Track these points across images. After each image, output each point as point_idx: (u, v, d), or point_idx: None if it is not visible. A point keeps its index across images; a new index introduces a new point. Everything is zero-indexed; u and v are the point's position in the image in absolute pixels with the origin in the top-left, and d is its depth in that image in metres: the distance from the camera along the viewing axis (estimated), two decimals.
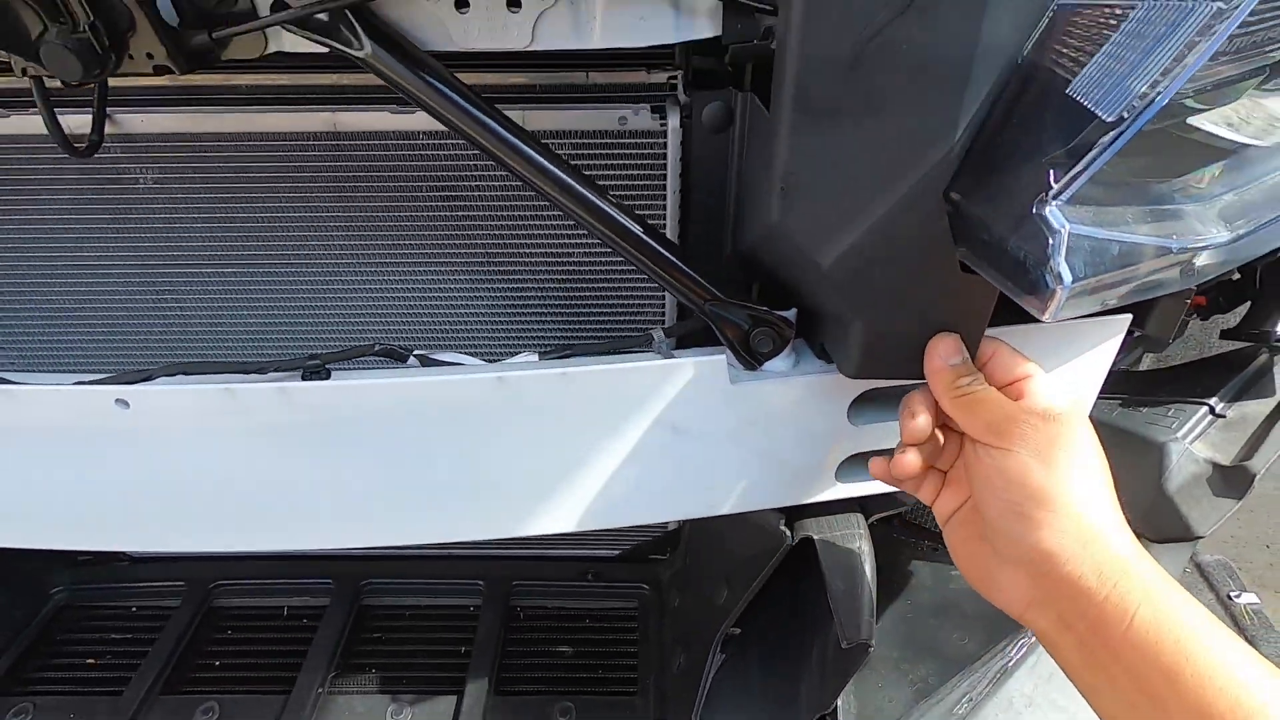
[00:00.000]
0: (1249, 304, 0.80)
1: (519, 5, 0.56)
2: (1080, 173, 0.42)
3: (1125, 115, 0.41)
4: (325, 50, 0.56)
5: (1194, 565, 1.27)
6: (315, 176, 0.71)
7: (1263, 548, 1.84)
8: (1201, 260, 0.52)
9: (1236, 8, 0.38)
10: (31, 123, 0.68)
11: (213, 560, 1.19)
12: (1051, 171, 0.45)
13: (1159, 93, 0.41)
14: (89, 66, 0.53)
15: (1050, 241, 0.43)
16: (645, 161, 0.69)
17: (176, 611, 1.15)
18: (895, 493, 0.81)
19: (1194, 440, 0.76)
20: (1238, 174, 0.58)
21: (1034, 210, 0.44)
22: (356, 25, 0.55)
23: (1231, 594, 1.22)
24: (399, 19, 0.56)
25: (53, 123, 0.59)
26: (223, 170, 0.71)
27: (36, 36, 0.53)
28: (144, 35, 0.54)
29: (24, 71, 0.56)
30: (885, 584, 1.07)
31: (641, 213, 0.69)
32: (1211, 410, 0.78)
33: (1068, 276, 0.42)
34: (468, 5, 0.56)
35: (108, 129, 0.69)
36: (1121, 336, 0.69)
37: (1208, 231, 0.52)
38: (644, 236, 0.62)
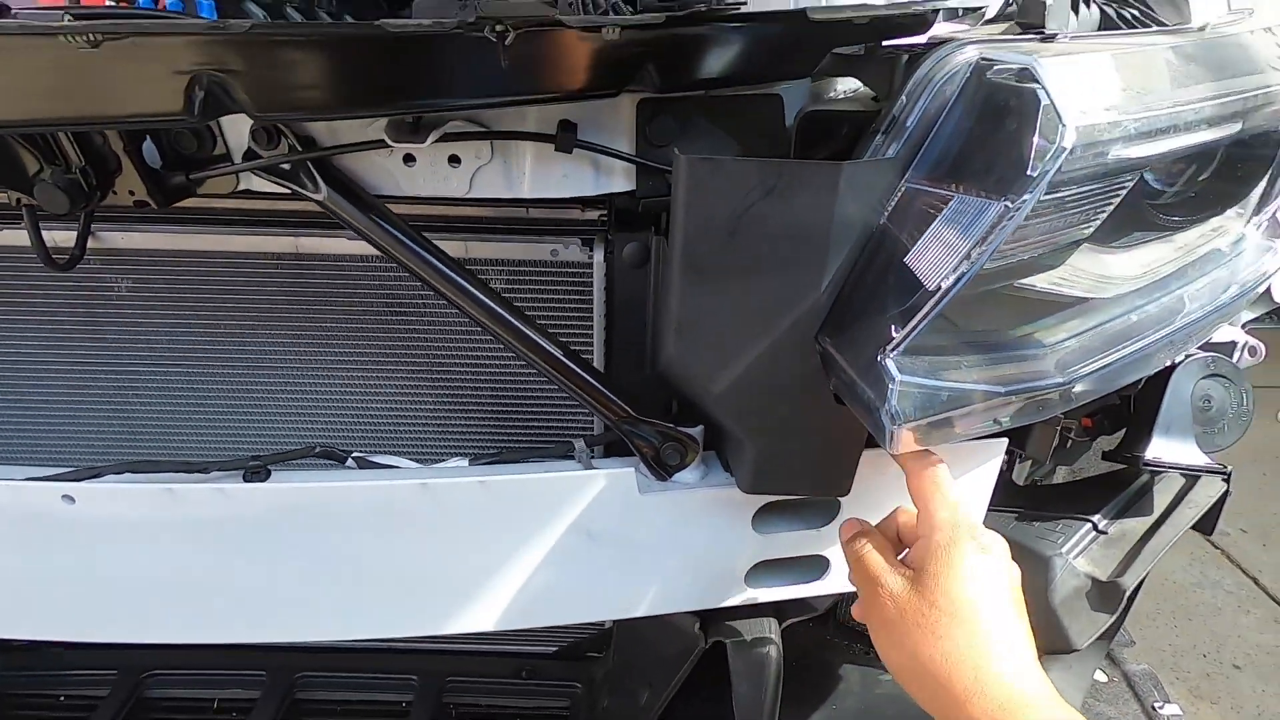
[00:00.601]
0: (1125, 428, 0.89)
1: (459, 161, 0.65)
2: (911, 331, 0.50)
3: (942, 285, 0.50)
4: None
5: (1121, 675, 1.31)
6: (276, 292, 0.78)
7: (1199, 656, 1.87)
8: (1044, 398, 0.60)
9: (1019, 209, 0.47)
10: (17, 236, 0.75)
11: (145, 649, 1.18)
12: (892, 326, 0.53)
13: (968, 268, 0.49)
14: (76, 201, 0.61)
15: (888, 387, 0.50)
16: (574, 289, 0.77)
17: (105, 700, 1.13)
18: (811, 597, 0.85)
19: (1077, 555, 0.81)
20: (1077, 322, 0.68)
21: (878, 359, 0.52)
22: (315, 173, 0.64)
23: (1156, 705, 1.25)
24: (353, 168, 0.65)
25: (39, 243, 0.66)
26: (191, 284, 0.77)
27: (33, 175, 0.61)
28: (129, 176, 0.62)
29: (17, 201, 0.64)
30: (813, 686, 1.09)
31: (569, 335, 0.76)
32: (1094, 526, 0.85)
33: (899, 418, 0.49)
34: (414, 159, 0.65)
35: (89, 242, 0.76)
36: (1000, 458, 0.76)
37: (1042, 375, 0.60)
38: (563, 359, 0.69)
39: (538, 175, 0.66)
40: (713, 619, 0.84)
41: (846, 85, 0.71)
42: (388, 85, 0.50)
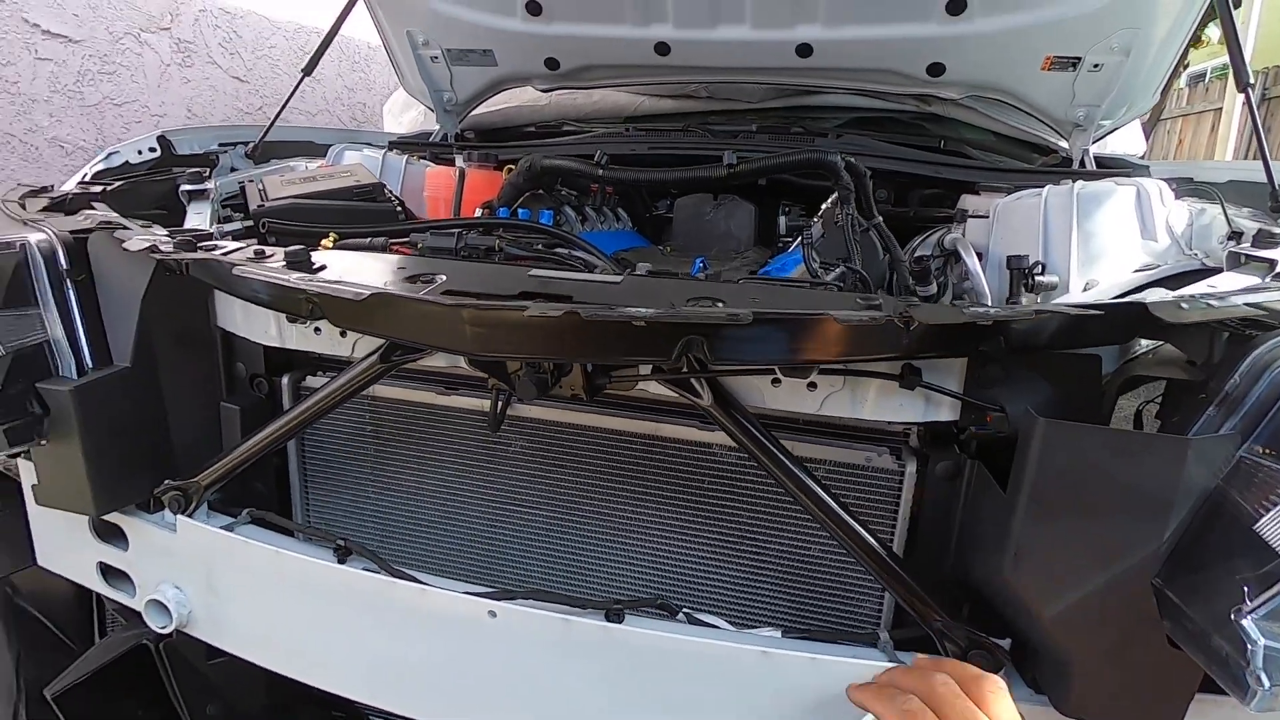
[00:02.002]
0: None
1: (815, 386, 0.82)
2: (1272, 598, 0.56)
3: None
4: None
5: None
6: (633, 465, 0.98)
7: None
8: None
9: None
10: (456, 401, 1.01)
11: None
12: (1245, 588, 0.58)
13: None
14: (540, 392, 0.84)
15: (1249, 649, 0.56)
16: (882, 491, 0.89)
17: None
18: None
19: None
20: None
21: (1233, 617, 0.57)
22: (705, 384, 0.83)
23: None
24: (732, 384, 0.84)
25: (495, 414, 0.91)
26: (568, 449, 0.99)
27: (512, 371, 0.86)
28: (575, 378, 0.85)
29: (492, 385, 0.89)
30: None
31: (871, 531, 0.88)
32: None
33: (1266, 683, 0.54)
34: (780, 382, 0.83)
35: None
36: None
37: None
38: (884, 555, 0.80)
39: (878, 403, 0.81)
40: None
41: (1157, 347, 0.80)
42: (816, 351, 0.67)
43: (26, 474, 1.07)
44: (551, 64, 2.05)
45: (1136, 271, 1.18)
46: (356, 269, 0.97)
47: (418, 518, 1.08)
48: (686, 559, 0.98)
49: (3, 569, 1.20)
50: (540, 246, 1.30)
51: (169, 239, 0.92)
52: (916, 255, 1.45)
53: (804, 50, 1.86)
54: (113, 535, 1.07)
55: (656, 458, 0.95)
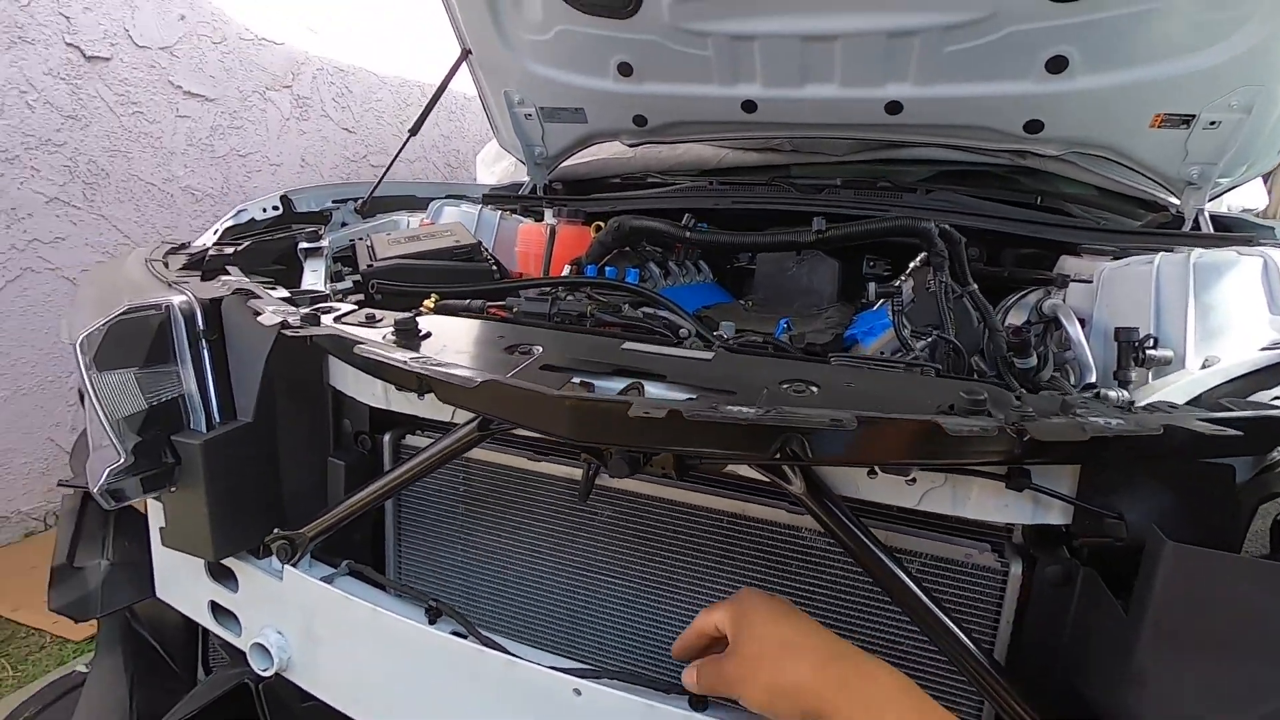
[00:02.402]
0: None
1: (915, 480, 0.80)
2: None
3: None
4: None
5: None
6: (721, 543, 0.97)
7: None
8: None
9: None
10: (547, 468, 1.04)
11: None
12: None
13: None
14: (633, 470, 0.86)
15: None
16: (982, 591, 0.85)
17: None
18: None
19: None
20: None
21: None
22: (798, 472, 0.82)
23: None
24: (825, 472, 0.83)
25: (587, 485, 0.93)
26: (652, 522, 1.00)
27: (605, 450, 0.88)
28: (667, 458, 0.86)
29: (588, 463, 0.91)
30: None
31: (970, 633, 0.83)
32: None
33: None
34: (876, 473, 0.81)
35: None
36: None
37: None
38: (984, 661, 0.76)
39: (981, 502, 0.78)
40: None
41: None
42: (918, 456, 0.66)
43: (154, 513, 1.17)
44: (639, 121, 2.12)
45: (1263, 350, 1.10)
46: (458, 337, 1.02)
47: (503, 579, 1.11)
48: None
49: (128, 597, 1.30)
50: (627, 306, 1.33)
51: (295, 309, 1.00)
52: (1012, 324, 1.40)
53: (893, 107, 1.84)
54: (224, 576, 1.15)
55: (743, 538, 0.95)
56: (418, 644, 0.95)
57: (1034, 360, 1.22)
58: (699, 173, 2.33)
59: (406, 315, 1.02)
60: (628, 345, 0.97)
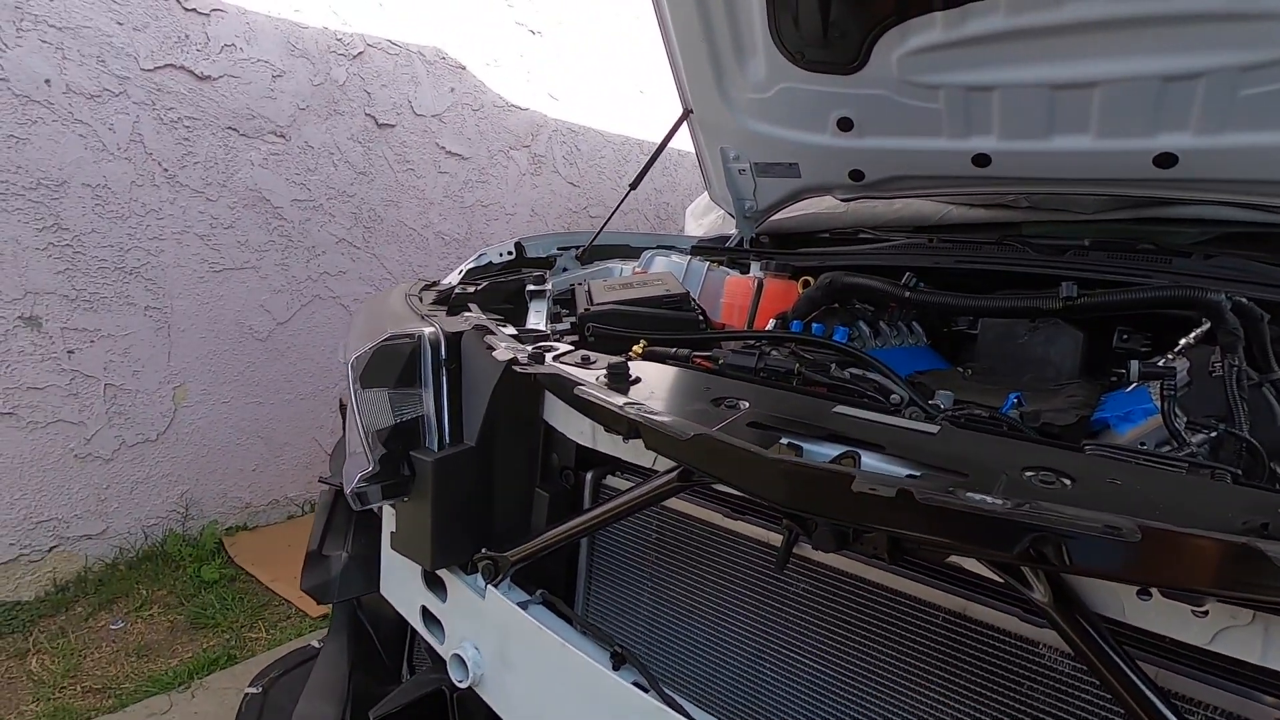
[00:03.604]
0: None
1: (1207, 613, 0.65)
2: None
3: None
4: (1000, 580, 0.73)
5: None
6: (934, 643, 0.86)
7: None
8: None
9: None
10: (743, 528, 1.01)
11: None
12: None
13: None
14: (839, 545, 0.80)
15: None
16: None
17: None
18: None
19: None
20: None
21: None
22: (1045, 578, 0.70)
23: None
24: (1078, 582, 0.70)
25: (785, 554, 0.89)
26: (860, 608, 0.92)
27: (812, 524, 0.83)
28: (877, 536, 0.79)
29: (789, 530, 0.86)
30: None
31: None
32: None
33: None
34: (1150, 594, 0.67)
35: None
36: None
37: None
38: None
39: None
40: None
41: None
42: (1211, 583, 0.54)
43: (387, 519, 1.32)
44: (856, 175, 2.05)
45: None
46: (665, 384, 1.04)
47: (688, 636, 1.09)
48: None
49: (360, 589, 1.47)
50: (835, 366, 1.27)
51: (524, 347, 1.08)
52: None
53: (1165, 160, 1.60)
54: (436, 585, 1.25)
55: (963, 642, 0.83)
56: (599, 688, 0.96)
57: None
58: (916, 229, 2.20)
59: (619, 360, 1.06)
60: (839, 409, 0.92)
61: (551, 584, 1.19)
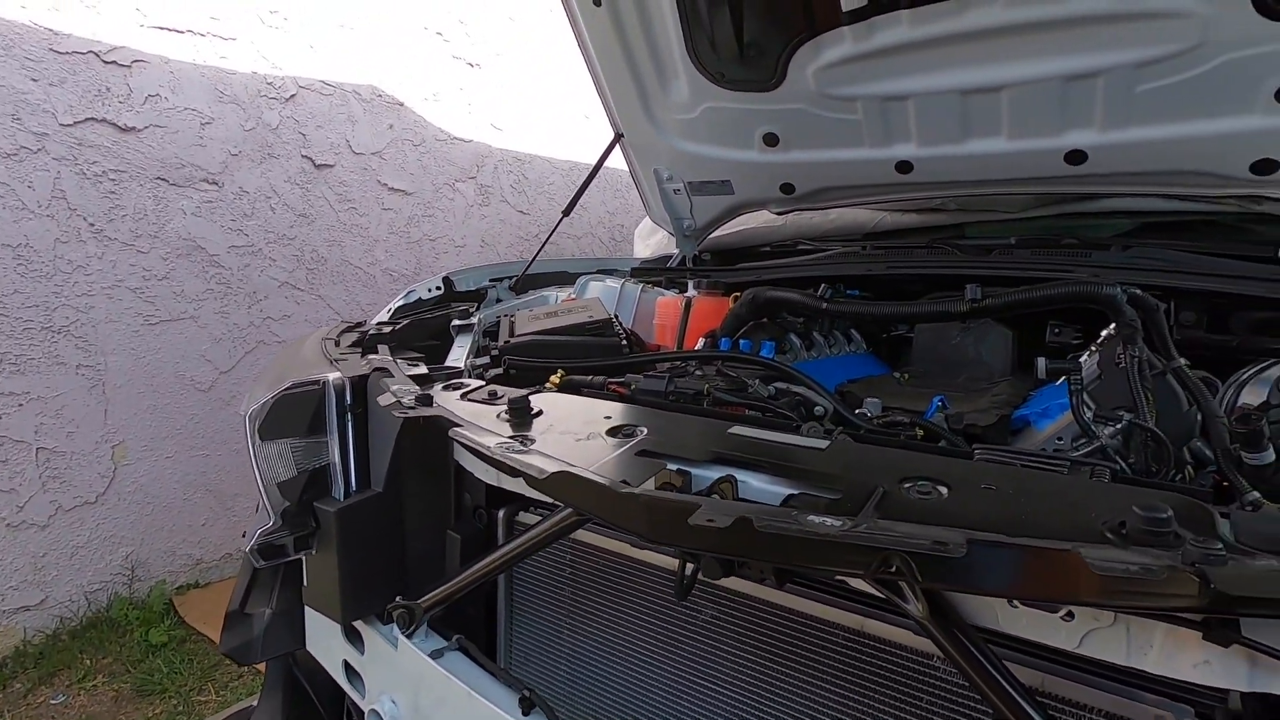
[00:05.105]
0: None
1: (1073, 616, 0.63)
2: None
3: None
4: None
5: None
6: (836, 660, 0.84)
7: None
8: None
9: None
10: (651, 557, 0.98)
11: None
12: None
13: None
14: (717, 572, 0.77)
15: None
16: None
17: None
18: None
19: None
20: None
21: None
22: (921, 594, 0.69)
23: None
24: (956, 597, 0.69)
25: (685, 582, 0.86)
26: (764, 630, 0.89)
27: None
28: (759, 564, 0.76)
29: (682, 560, 0.84)
30: None
31: None
32: None
33: None
34: (1016, 605, 0.65)
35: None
36: None
37: None
38: None
39: (1169, 654, 0.60)
40: None
41: None
42: (1060, 594, 0.52)
43: (307, 571, 1.27)
44: (787, 189, 2.07)
45: None
46: (568, 416, 1.01)
47: (606, 671, 1.05)
48: None
49: (284, 646, 1.41)
50: (758, 382, 1.25)
51: (414, 389, 1.05)
52: (1246, 405, 1.12)
53: (1075, 157, 1.62)
54: (355, 638, 1.21)
55: (862, 656, 0.81)
56: None
57: (1270, 455, 0.96)
58: (854, 238, 2.21)
59: (521, 394, 1.04)
60: (735, 429, 0.90)
61: (473, 627, 1.15)
